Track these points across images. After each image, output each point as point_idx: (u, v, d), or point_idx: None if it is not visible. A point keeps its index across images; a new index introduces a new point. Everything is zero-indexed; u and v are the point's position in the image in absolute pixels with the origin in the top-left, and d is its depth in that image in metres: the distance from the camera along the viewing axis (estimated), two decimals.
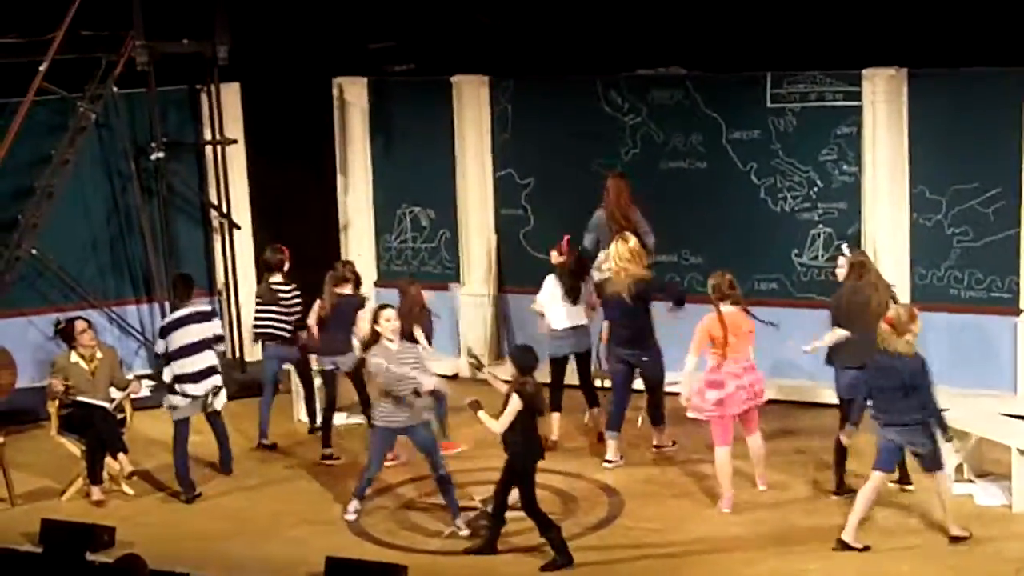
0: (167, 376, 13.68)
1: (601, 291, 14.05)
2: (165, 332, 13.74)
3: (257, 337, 15.30)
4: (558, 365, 14.46)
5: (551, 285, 14.43)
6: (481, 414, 11.88)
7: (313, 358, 14.77)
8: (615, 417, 14.01)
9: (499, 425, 11.79)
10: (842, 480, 12.89)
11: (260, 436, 14.99)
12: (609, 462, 13.93)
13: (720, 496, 12.89)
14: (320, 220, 17.52)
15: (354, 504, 12.85)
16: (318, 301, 14.49)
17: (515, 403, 11.68)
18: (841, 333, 12.65)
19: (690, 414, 13.00)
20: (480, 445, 14.20)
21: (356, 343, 14.17)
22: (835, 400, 14.58)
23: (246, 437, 15.01)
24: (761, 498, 13.00)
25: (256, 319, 15.12)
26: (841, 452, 12.80)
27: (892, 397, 11.65)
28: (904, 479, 12.75)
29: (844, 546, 11.75)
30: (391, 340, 12.54)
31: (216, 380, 13.84)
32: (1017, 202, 14.53)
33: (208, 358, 13.78)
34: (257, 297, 15.18)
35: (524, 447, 11.75)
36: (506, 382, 11.93)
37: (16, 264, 16.10)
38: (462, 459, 13.89)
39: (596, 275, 14.44)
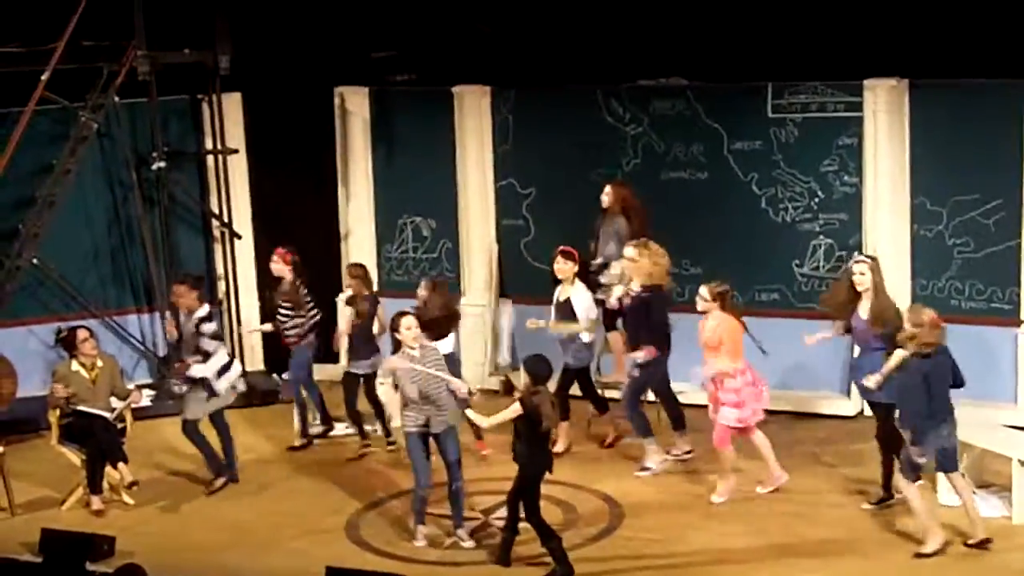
0: (217, 364, 13.83)
1: (659, 294, 13.92)
2: (214, 317, 14.10)
3: (299, 338, 15.16)
4: (574, 376, 14.48)
5: (591, 296, 14.44)
6: (469, 412, 12.06)
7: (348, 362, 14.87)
8: (647, 423, 14.06)
9: (487, 422, 11.99)
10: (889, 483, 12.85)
11: (303, 435, 15.23)
12: (645, 470, 13.98)
13: (717, 489, 13.17)
14: (321, 230, 17.49)
15: (421, 530, 12.57)
16: (350, 309, 14.70)
17: (513, 409, 11.71)
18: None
19: (753, 421, 13.09)
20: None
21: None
22: (836, 411, 14.67)
23: (246, 447, 14.98)
24: (763, 508, 12.99)
25: (295, 322, 15.05)
26: (889, 458, 12.72)
27: (947, 389, 11.73)
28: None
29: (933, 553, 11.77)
30: (412, 348, 12.41)
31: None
32: (1018, 213, 14.53)
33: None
34: (289, 300, 15.06)
35: (529, 457, 11.74)
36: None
37: (17, 273, 16.11)
38: (466, 468, 13.85)
39: (619, 290, 14.31)
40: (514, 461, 11.86)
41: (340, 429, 15.33)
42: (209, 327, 13.89)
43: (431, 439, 12.46)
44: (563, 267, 14.34)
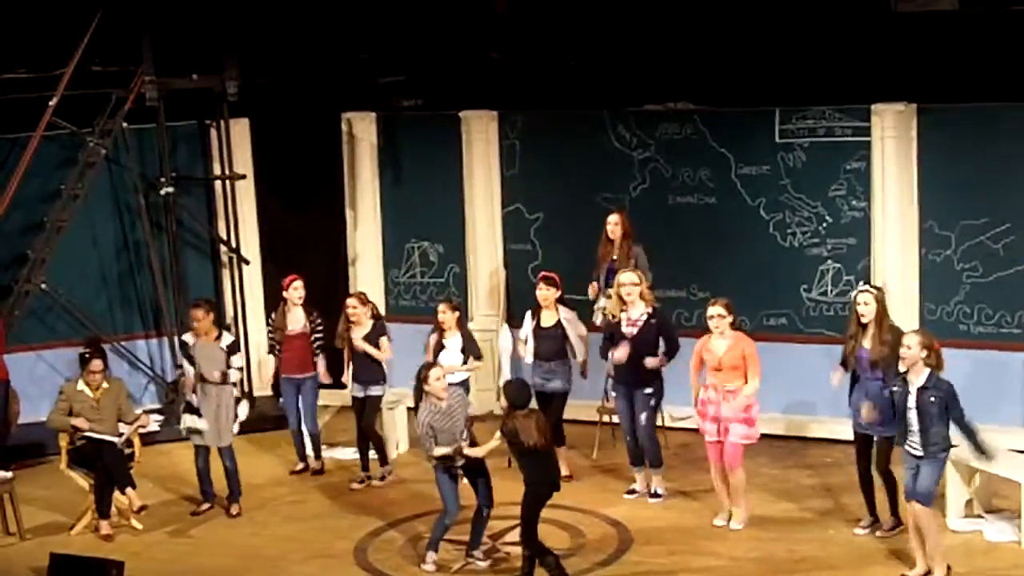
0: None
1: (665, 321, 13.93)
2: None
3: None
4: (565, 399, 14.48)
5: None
6: (467, 451, 12.14)
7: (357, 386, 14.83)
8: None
9: (476, 452, 12.16)
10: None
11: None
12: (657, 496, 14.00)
13: (735, 516, 13.15)
14: (329, 255, 17.55)
15: (431, 555, 12.51)
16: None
17: (496, 439, 11.91)
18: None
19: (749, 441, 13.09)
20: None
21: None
22: (844, 436, 14.63)
23: (254, 472, 14.98)
24: (772, 533, 12.96)
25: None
26: (893, 487, 12.74)
27: None
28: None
29: None
30: (442, 398, 12.27)
31: None
32: None
33: None
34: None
35: (531, 478, 11.80)
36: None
37: (26, 298, 16.16)
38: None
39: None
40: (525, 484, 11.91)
41: (349, 453, 15.39)
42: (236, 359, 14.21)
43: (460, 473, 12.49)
44: (547, 293, 14.25)
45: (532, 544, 11.80)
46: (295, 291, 14.90)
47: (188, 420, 13.89)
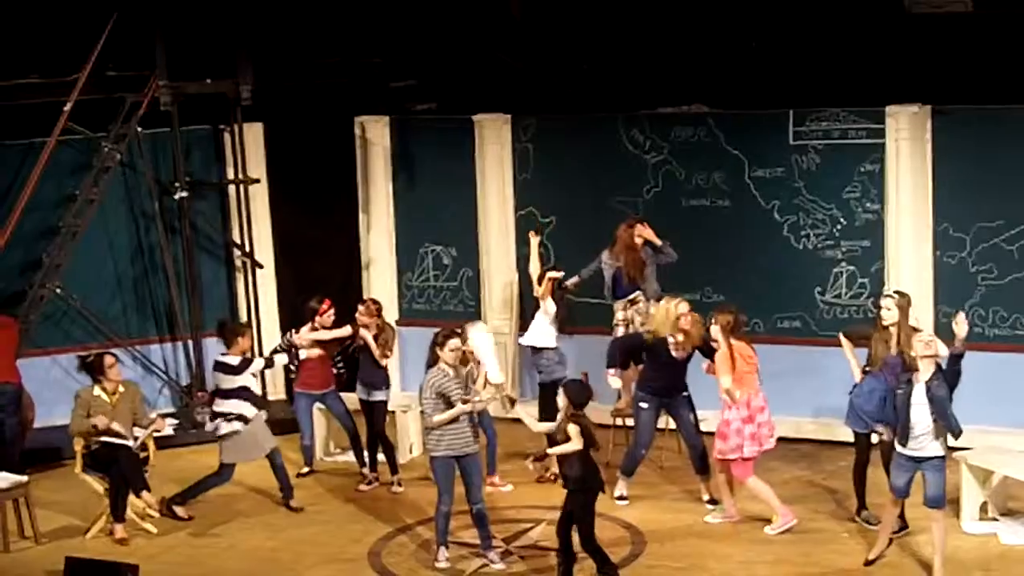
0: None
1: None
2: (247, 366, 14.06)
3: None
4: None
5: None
6: (518, 409, 12.28)
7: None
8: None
9: (543, 426, 12.26)
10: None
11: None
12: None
13: (776, 518, 13.07)
14: (342, 259, 17.56)
15: (443, 552, 12.57)
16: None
17: (576, 435, 11.67)
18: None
19: (730, 456, 13.01)
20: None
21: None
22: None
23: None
24: (785, 536, 12.94)
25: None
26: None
27: None
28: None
29: None
30: (451, 366, 12.40)
31: None
32: None
33: None
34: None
35: (583, 482, 11.75)
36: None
37: (40, 303, 16.19)
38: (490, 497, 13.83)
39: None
40: (564, 487, 11.89)
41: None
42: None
43: (456, 463, 12.45)
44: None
45: (596, 549, 11.79)
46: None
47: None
